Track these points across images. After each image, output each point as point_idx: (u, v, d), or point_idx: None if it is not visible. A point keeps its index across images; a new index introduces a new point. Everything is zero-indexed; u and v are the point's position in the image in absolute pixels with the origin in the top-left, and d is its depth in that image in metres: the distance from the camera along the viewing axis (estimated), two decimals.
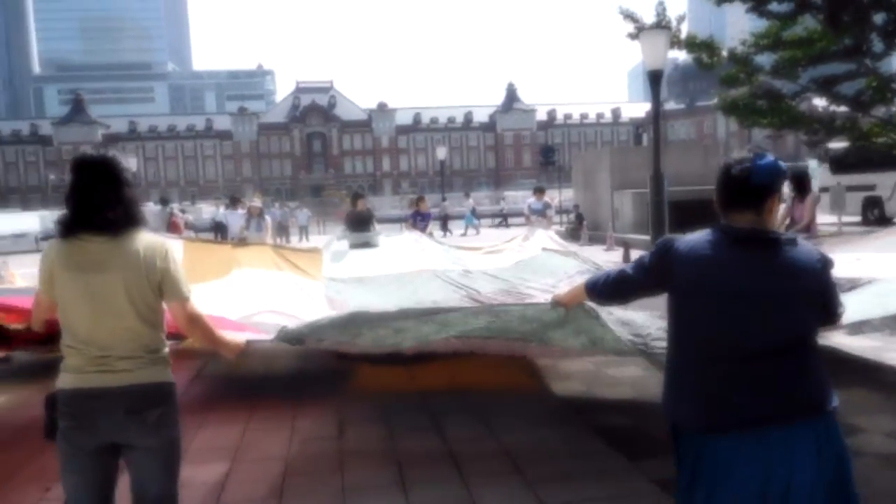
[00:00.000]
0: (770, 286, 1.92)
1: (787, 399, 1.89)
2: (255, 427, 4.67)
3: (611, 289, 2.35)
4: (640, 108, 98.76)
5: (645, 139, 47.94)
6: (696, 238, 2.03)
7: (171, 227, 14.34)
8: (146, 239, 2.31)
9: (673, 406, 2.06)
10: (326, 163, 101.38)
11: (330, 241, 9.49)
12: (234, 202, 14.74)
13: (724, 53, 12.42)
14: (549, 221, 13.05)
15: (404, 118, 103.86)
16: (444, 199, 39.29)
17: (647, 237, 13.66)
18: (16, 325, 3.97)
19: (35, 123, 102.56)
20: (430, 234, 11.00)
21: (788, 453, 1.88)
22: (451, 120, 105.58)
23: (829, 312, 2.05)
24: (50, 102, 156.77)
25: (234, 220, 13.34)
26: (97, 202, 2.23)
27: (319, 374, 5.88)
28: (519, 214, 37.43)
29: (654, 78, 9.75)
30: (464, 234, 27.97)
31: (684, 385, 2.02)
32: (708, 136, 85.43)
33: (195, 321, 2.40)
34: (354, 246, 8.92)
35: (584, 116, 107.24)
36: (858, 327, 6.08)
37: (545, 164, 50.37)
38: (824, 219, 17.05)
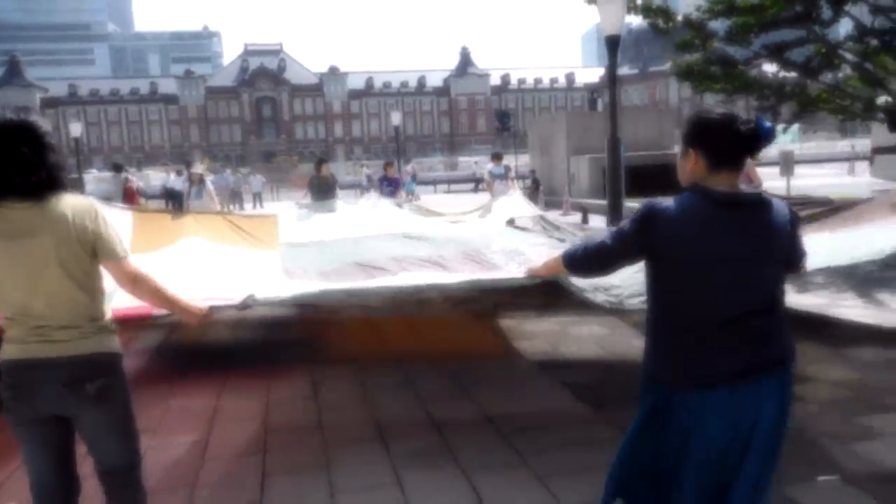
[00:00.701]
0: (751, 248, 1.98)
1: (762, 355, 2.01)
2: (229, 393, 4.68)
3: (591, 261, 2.29)
4: (594, 74, 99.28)
5: (600, 105, 48.31)
6: (678, 204, 2.01)
7: (127, 193, 13.83)
8: (73, 201, 2.20)
9: (653, 364, 2.13)
10: (277, 128, 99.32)
11: (288, 207, 9.36)
12: (186, 167, 14.64)
13: (680, 19, 12.60)
14: (513, 184, 13.04)
15: (356, 82, 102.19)
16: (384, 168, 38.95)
17: (603, 202, 13.92)
18: None
19: None
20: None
21: (756, 402, 2.01)
22: (404, 84, 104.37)
23: (793, 264, 2.16)
24: None
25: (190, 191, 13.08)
26: (19, 167, 2.12)
27: (290, 342, 5.93)
28: (470, 180, 37.69)
29: (612, 43, 9.82)
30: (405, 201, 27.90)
31: (666, 345, 2.09)
32: (661, 101, 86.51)
33: (139, 281, 2.29)
34: (318, 211, 8.88)
35: (538, 81, 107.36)
36: (804, 286, 6.45)
37: (501, 129, 50.47)
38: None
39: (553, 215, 9.74)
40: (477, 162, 39.52)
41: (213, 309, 2.80)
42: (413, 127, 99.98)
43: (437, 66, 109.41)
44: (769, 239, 2.01)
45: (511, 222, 7.04)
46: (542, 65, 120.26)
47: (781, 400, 2.04)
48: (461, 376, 4.78)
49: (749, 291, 2.00)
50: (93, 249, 2.19)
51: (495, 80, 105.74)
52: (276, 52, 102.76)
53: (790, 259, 2.13)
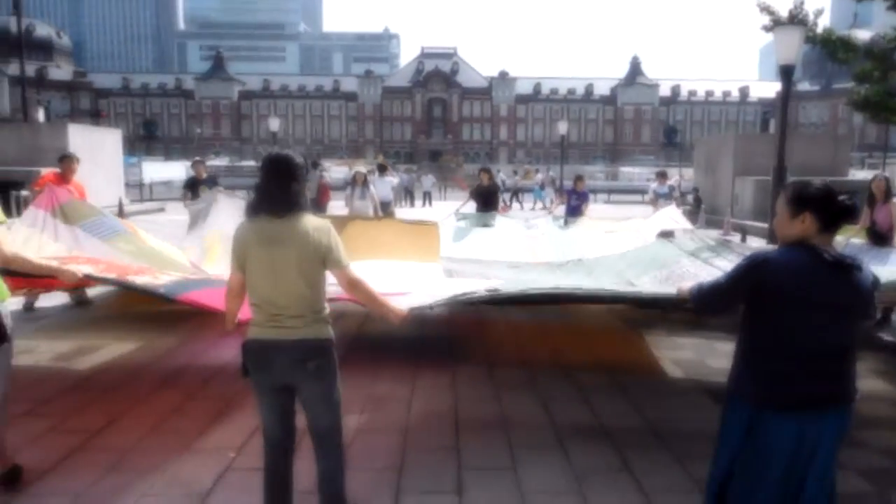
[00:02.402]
0: (845, 301, 2.38)
1: (836, 389, 2.42)
2: (421, 383, 5.20)
3: (707, 298, 2.64)
4: (770, 88, 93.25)
5: (772, 125, 45.84)
6: (788, 257, 2.39)
7: (321, 188, 14.85)
8: (313, 221, 2.80)
9: (742, 383, 2.51)
10: (445, 128, 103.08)
11: (451, 215, 9.84)
12: (381, 169, 15.24)
13: (861, 48, 12.44)
14: (676, 203, 13.10)
15: (524, 87, 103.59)
16: (515, 173, 37.33)
17: (764, 224, 14.05)
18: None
19: (179, 78, 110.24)
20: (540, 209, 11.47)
21: (819, 430, 2.40)
22: (571, 91, 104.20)
23: (868, 318, 2.60)
24: (192, 58, 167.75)
25: (382, 187, 13.90)
26: (281, 192, 2.76)
27: (436, 342, 6.24)
28: (630, 192, 36.94)
29: (786, 73, 10.14)
30: (532, 209, 27.17)
31: (757, 370, 2.46)
32: (843, 120, 79.73)
33: (356, 285, 2.87)
34: (477, 224, 9.33)
35: (709, 94, 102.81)
36: None
37: (667, 145, 49.34)
38: None
39: (711, 234, 9.71)
40: (649, 179, 37.40)
41: (411, 310, 3.41)
42: (577, 134, 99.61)
43: (604, 74, 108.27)
44: (857, 296, 2.40)
45: (663, 235, 7.28)
46: (715, 76, 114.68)
47: (841, 430, 2.46)
48: (625, 387, 5.13)
49: (834, 337, 2.40)
50: (324, 260, 2.78)
51: (664, 90, 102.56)
52: (449, 55, 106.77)
53: (866, 314, 2.53)
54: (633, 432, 4.34)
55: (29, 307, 7.44)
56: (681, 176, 36.82)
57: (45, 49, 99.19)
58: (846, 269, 2.38)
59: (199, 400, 4.79)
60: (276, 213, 2.74)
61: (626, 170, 59.20)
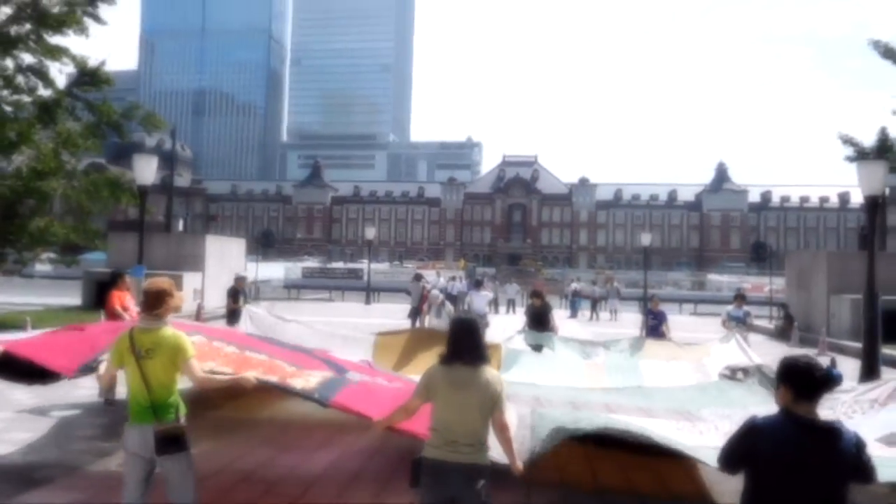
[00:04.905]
0: (822, 461, 2.63)
1: None
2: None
3: (721, 460, 2.96)
4: None
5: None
6: (772, 423, 2.73)
7: (423, 299, 16.06)
8: (491, 373, 3.58)
9: None
10: (525, 233, 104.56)
11: (510, 336, 9.96)
12: (477, 285, 17.01)
13: None
14: (749, 330, 12.49)
15: (605, 193, 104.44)
16: (593, 283, 35.31)
17: (860, 345, 13.46)
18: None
19: (279, 184, 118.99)
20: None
21: None
22: (653, 197, 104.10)
23: (865, 478, 2.78)
24: (291, 166, 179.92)
25: (479, 300, 15.31)
26: (470, 348, 3.57)
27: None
28: (718, 301, 35.70)
29: (870, 205, 10.08)
30: (600, 318, 26.84)
31: None
32: None
33: (504, 428, 3.55)
34: (531, 345, 9.47)
35: (804, 200, 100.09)
36: None
37: (756, 259, 48.09)
38: None
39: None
40: (737, 294, 34.93)
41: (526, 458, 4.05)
42: (660, 240, 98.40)
43: (686, 181, 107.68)
44: (838, 455, 2.65)
45: (727, 373, 7.16)
46: (811, 182, 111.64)
47: None
48: None
49: (820, 492, 2.65)
50: (493, 404, 3.53)
51: (754, 196, 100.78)
52: (530, 163, 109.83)
53: (858, 474, 2.73)
54: None
55: (110, 402, 7.94)
56: (770, 284, 35.58)
57: (169, 160, 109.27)
58: (819, 431, 2.67)
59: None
60: (468, 364, 3.52)
61: (713, 278, 57.19)
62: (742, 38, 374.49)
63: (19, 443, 6.62)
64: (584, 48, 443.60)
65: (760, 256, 44.47)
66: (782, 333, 20.43)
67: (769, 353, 8.98)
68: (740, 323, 11.95)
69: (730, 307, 13.01)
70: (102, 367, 4.63)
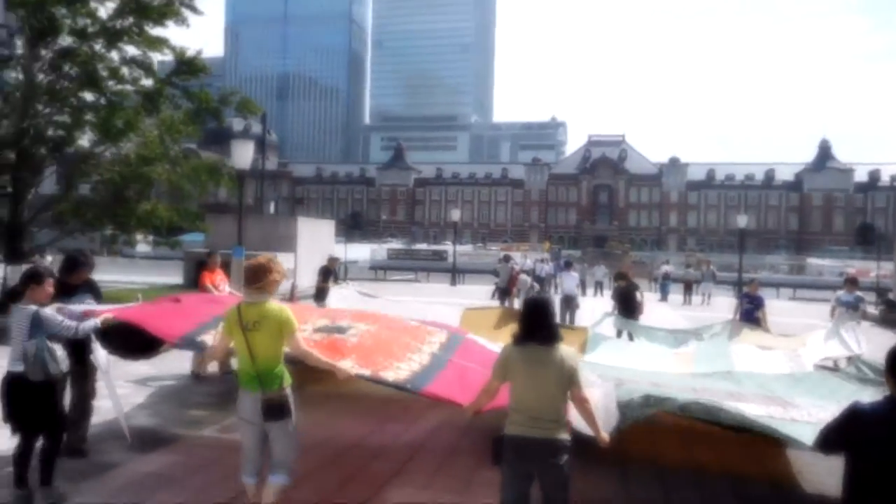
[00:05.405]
0: None
1: None
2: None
3: (820, 441, 3.10)
4: None
5: None
6: (878, 408, 2.83)
7: (511, 280, 16.82)
8: (566, 350, 3.67)
9: None
10: (611, 214, 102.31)
11: (599, 321, 10.01)
12: (567, 266, 17.30)
13: None
14: (862, 316, 11.41)
15: (696, 173, 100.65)
16: (687, 266, 35.51)
17: None
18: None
19: (363, 167, 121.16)
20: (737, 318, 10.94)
21: None
22: (748, 177, 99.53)
23: None
24: (374, 148, 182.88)
25: (569, 281, 15.59)
26: (543, 328, 3.65)
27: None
28: (819, 287, 33.88)
29: None
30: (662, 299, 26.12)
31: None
32: None
33: (584, 402, 3.64)
34: (618, 329, 9.63)
35: None
36: None
37: (861, 242, 45.14)
38: None
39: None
40: (841, 274, 32.02)
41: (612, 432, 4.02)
42: (755, 221, 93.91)
43: (786, 159, 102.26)
44: None
45: (828, 363, 6.79)
46: None
47: None
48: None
49: None
50: (570, 380, 3.61)
51: (860, 175, 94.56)
52: (617, 142, 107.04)
53: None
54: None
55: (197, 375, 8.48)
56: (878, 268, 33.30)
57: (259, 144, 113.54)
58: None
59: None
60: (542, 343, 3.61)
61: (814, 262, 54.26)
62: (845, 4, 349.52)
63: (145, 406, 7.33)
64: (672, 22, 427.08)
65: (867, 239, 41.78)
66: (884, 319, 19.19)
67: (871, 341, 8.41)
68: (851, 308, 11.03)
69: (840, 292, 11.98)
70: (210, 339, 4.89)
